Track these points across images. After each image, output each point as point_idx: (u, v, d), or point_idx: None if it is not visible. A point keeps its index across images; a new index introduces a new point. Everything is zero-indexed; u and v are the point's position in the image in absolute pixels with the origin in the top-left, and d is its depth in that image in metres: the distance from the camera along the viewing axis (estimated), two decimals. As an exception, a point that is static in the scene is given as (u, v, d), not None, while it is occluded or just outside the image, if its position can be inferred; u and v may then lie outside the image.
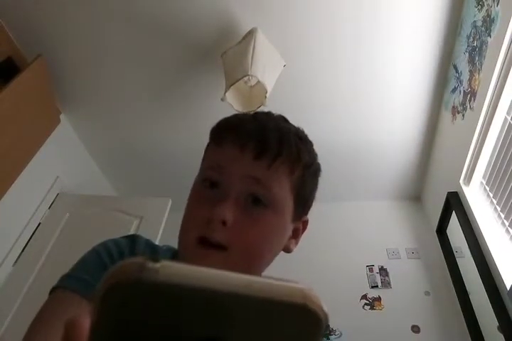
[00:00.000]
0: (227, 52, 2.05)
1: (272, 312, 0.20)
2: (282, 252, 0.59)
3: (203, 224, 0.51)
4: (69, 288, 0.56)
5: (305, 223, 0.61)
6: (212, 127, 0.59)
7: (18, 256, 2.11)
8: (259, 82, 1.96)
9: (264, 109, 2.05)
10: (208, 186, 0.54)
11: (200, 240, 0.51)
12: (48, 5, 2.06)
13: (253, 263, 0.54)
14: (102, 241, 0.65)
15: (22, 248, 2.14)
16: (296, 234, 0.59)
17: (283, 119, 0.59)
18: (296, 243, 0.60)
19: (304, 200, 0.58)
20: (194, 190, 0.56)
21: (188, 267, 0.20)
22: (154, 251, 0.66)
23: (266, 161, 0.52)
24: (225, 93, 1.98)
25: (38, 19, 2.12)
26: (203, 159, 0.60)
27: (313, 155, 0.59)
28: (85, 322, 0.21)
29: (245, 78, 1.94)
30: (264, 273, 0.60)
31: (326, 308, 0.21)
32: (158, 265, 0.20)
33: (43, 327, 0.52)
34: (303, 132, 0.59)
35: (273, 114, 0.60)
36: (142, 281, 0.19)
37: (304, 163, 0.55)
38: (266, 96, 1.98)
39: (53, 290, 0.58)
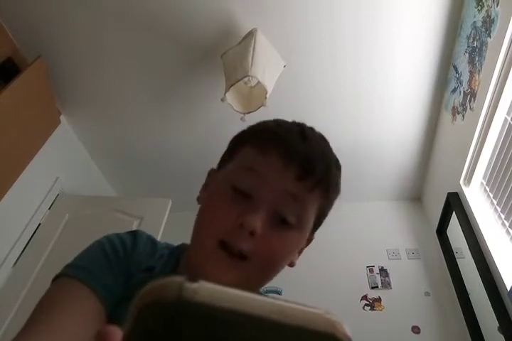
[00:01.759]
0: (227, 52, 2.05)
1: (298, 340, 0.20)
2: None
3: (230, 230, 0.50)
4: (73, 277, 0.56)
5: (310, 240, 0.62)
6: (254, 130, 0.58)
7: (18, 257, 2.11)
8: (259, 82, 1.96)
9: (265, 109, 2.06)
10: (239, 193, 0.52)
11: (221, 244, 0.51)
12: (48, 6, 2.06)
13: (267, 276, 0.55)
14: (107, 234, 0.66)
15: (22, 249, 2.14)
16: (300, 251, 0.61)
17: (326, 141, 0.59)
18: (298, 257, 0.61)
19: (321, 222, 0.60)
20: (222, 190, 0.54)
21: (225, 289, 0.20)
22: (154, 247, 0.67)
23: (308, 184, 0.52)
24: (225, 93, 1.99)
25: (38, 20, 2.13)
26: (233, 158, 0.58)
27: (340, 184, 0.60)
28: (118, 334, 0.21)
29: (245, 79, 1.94)
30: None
31: (351, 338, 0.21)
32: (196, 285, 0.20)
33: (46, 313, 0.52)
34: (338, 160, 0.60)
35: (316, 132, 0.59)
36: (180, 301, 0.19)
37: (335, 191, 0.58)
38: (266, 97, 1.98)
39: (57, 278, 0.58)
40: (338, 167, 0.59)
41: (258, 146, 0.54)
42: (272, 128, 0.57)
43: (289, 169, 0.51)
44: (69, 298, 0.54)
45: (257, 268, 0.52)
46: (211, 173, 0.62)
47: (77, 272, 0.57)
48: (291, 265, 0.59)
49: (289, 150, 0.52)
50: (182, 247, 0.67)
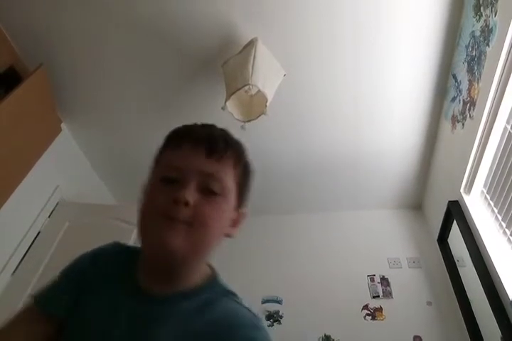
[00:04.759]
0: (228, 61, 2.07)
1: None
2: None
3: (167, 206, 0.61)
4: (34, 300, 0.75)
5: (243, 215, 0.72)
6: (168, 135, 0.72)
7: (18, 265, 2.10)
8: (259, 91, 1.97)
9: (265, 118, 2.06)
10: (167, 182, 0.64)
11: (166, 216, 0.61)
12: (50, 15, 2.08)
13: (207, 236, 0.64)
14: (81, 254, 0.79)
15: (21, 256, 2.13)
16: (235, 224, 0.71)
17: (224, 129, 0.72)
18: (237, 230, 0.71)
19: (243, 193, 0.71)
20: (153, 185, 0.67)
21: None
22: (125, 250, 0.80)
23: (215, 157, 0.65)
24: (225, 102, 1.99)
25: (39, 29, 2.14)
26: (157, 161, 0.70)
27: (249, 159, 0.72)
28: None
29: (246, 87, 1.95)
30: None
31: None
32: None
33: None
34: (238, 139, 0.72)
35: (217, 126, 0.73)
36: None
37: (244, 163, 0.71)
38: (266, 105, 1.99)
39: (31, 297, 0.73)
40: (239, 144, 0.71)
41: (172, 145, 0.68)
42: (180, 128, 0.72)
43: (198, 151, 0.65)
44: (19, 319, 0.76)
45: (199, 232, 0.62)
46: (143, 188, 0.71)
47: (36, 294, 0.74)
48: (229, 236, 0.70)
49: (194, 138, 0.66)
50: None
